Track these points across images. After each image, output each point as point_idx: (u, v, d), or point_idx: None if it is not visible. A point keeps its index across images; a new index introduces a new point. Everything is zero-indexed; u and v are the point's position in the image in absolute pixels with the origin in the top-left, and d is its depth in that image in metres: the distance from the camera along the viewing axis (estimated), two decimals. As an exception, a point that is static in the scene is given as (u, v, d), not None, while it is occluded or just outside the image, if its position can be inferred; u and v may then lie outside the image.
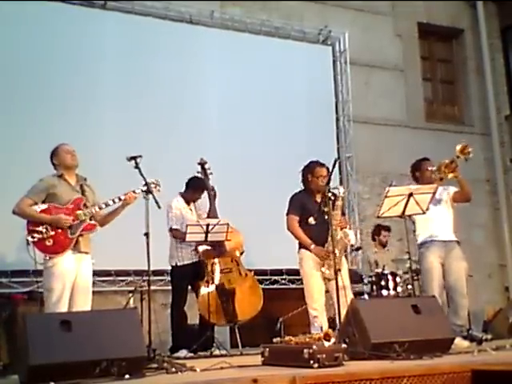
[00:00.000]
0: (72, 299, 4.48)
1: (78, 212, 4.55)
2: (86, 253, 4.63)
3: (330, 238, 4.97)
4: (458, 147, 5.05)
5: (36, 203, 4.52)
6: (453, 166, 5.10)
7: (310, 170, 5.26)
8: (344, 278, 4.90)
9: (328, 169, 5.23)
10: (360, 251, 7.78)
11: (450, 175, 5.14)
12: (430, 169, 5.32)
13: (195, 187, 5.93)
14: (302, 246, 5.21)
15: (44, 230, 4.43)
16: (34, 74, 6.87)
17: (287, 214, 5.26)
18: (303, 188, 5.33)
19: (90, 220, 4.62)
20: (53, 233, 4.44)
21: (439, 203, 5.39)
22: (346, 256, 5.42)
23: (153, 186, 4.73)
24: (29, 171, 6.42)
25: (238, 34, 8.14)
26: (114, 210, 4.77)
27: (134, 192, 4.67)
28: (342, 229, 5.09)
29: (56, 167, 4.75)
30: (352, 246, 5.67)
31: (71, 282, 4.49)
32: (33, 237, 4.40)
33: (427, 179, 5.33)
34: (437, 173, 5.21)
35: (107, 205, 4.66)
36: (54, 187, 4.59)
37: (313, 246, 5.07)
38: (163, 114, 7.39)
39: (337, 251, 4.87)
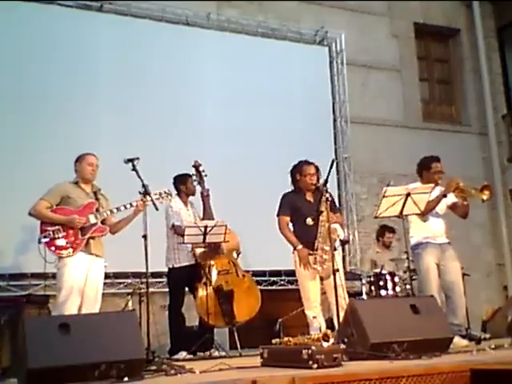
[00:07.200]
0: (82, 300, 4.57)
1: (90, 215, 4.67)
2: (98, 256, 4.71)
3: (318, 235, 4.95)
4: (480, 186, 5.08)
5: (52, 205, 4.64)
6: (467, 192, 5.14)
7: (297, 169, 5.24)
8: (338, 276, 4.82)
9: (316, 167, 5.20)
10: (358, 251, 7.73)
11: (459, 197, 5.22)
12: (439, 172, 5.35)
13: (181, 181, 5.89)
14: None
15: (56, 231, 4.55)
16: (31, 76, 6.87)
17: (278, 215, 5.22)
18: (293, 188, 5.29)
19: (102, 224, 4.73)
20: (64, 233, 4.57)
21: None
22: (342, 256, 5.33)
23: (165, 195, 4.89)
24: (25, 173, 6.46)
25: (235, 35, 8.16)
26: (125, 217, 4.86)
27: (142, 200, 4.73)
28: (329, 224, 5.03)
29: (76, 173, 4.86)
30: (341, 240, 5.58)
31: (81, 283, 4.57)
32: (45, 236, 4.52)
33: (431, 181, 5.32)
34: (445, 183, 5.22)
35: (118, 209, 4.76)
36: (69, 192, 4.72)
37: (300, 247, 5.03)
38: (160, 116, 7.40)
39: (326, 247, 4.86)
